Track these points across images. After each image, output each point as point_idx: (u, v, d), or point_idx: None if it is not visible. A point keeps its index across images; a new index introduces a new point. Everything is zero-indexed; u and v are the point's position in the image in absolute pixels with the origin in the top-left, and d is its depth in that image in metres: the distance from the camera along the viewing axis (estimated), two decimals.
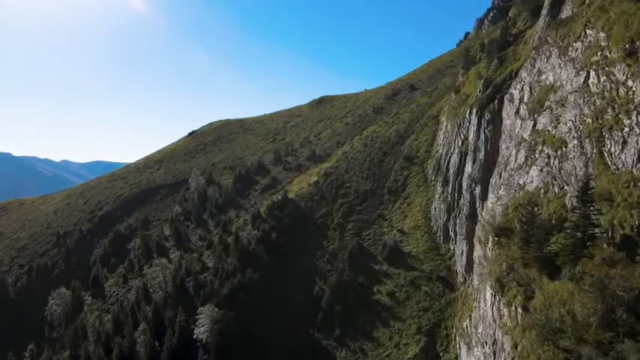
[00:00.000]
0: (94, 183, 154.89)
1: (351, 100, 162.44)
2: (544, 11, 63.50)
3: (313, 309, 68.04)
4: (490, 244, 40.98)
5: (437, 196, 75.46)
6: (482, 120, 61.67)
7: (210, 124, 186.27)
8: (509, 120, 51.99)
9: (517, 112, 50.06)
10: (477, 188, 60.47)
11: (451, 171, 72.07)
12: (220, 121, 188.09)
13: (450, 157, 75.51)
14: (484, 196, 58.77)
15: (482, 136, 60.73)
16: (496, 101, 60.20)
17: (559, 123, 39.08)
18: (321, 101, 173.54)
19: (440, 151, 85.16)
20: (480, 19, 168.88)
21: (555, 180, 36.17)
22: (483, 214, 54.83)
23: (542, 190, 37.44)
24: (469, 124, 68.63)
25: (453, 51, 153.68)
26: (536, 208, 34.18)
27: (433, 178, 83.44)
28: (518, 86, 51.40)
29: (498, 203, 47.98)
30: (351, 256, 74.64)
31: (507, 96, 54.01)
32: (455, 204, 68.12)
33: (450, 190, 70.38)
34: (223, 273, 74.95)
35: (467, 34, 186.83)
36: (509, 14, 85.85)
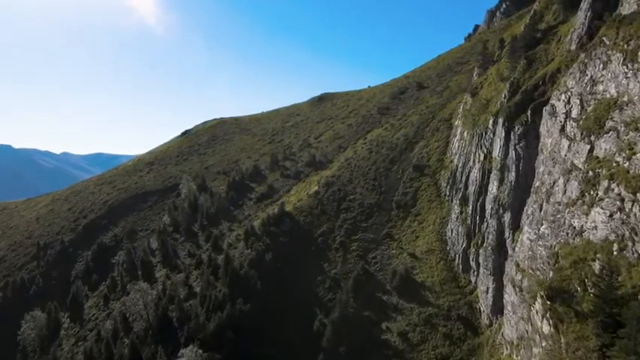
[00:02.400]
0: (81, 187, 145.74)
1: (353, 98, 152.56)
2: (584, 4, 53.80)
3: (313, 349, 59.09)
4: (539, 307, 31.83)
5: (453, 215, 66.20)
6: (512, 134, 52.26)
7: (205, 122, 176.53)
8: (551, 138, 42.61)
9: (562, 129, 40.68)
10: (505, 215, 51.22)
11: (470, 188, 62.75)
12: (215, 119, 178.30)
13: (468, 172, 66.15)
14: (515, 226, 49.60)
15: (512, 154, 51.35)
16: (529, 112, 50.75)
17: (634, 153, 29.81)
18: (322, 99, 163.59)
19: (455, 162, 75.77)
20: (492, 11, 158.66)
21: (637, 235, 27.00)
22: (516, 249, 45.67)
23: (615, 246, 28.27)
24: (493, 135, 59.19)
25: (464, 46, 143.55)
26: (615, 276, 24.99)
27: (447, 193, 74.12)
28: (563, 97, 41.96)
29: (540, 243, 38.75)
30: (356, 284, 65.62)
31: (547, 108, 44.55)
32: (476, 228, 58.92)
33: (469, 211, 61.12)
34: (211, 303, 66.01)
35: (476, 26, 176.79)
36: (535, 7, 75.95)
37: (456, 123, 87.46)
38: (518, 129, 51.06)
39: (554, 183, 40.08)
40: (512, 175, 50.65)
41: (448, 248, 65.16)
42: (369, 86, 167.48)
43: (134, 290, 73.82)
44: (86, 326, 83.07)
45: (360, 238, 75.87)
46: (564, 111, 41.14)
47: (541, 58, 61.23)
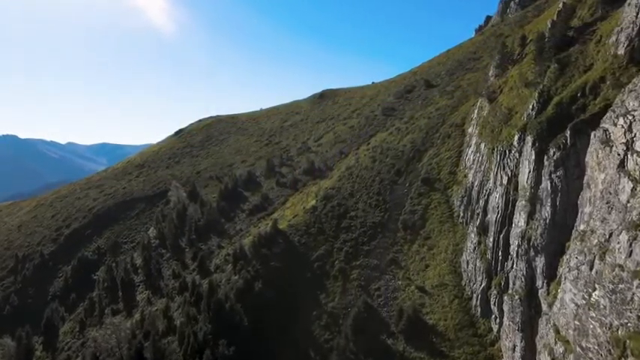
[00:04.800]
0: (67, 191, 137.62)
1: (356, 95, 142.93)
2: None
3: None
4: None
5: (469, 244, 57.14)
6: (546, 158, 42.82)
7: (200, 120, 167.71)
8: (604, 174, 33.29)
9: (621, 165, 31.36)
10: (537, 259, 42.04)
11: (491, 216, 53.54)
12: (211, 117, 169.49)
13: (487, 194, 56.90)
14: (551, 275, 40.52)
15: (546, 184, 41.99)
16: (568, 132, 41.30)
17: None
18: (323, 96, 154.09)
19: (470, 178, 66.53)
20: (505, 1, 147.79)
21: None
22: (554, 309, 36.69)
23: None
24: (519, 155, 49.85)
25: (475, 39, 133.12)
26: None
27: (462, 214, 65.06)
28: (621, 121, 32.55)
29: (593, 315, 29.78)
30: (357, 324, 56.87)
31: (598, 133, 35.13)
32: (498, 266, 49.88)
33: (490, 243, 52.00)
34: (189, 346, 57.56)
35: (488, 17, 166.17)
36: None
37: (470, 130, 78.05)
38: (554, 153, 41.59)
39: (610, 235, 30.89)
40: (546, 211, 41.33)
41: (463, 283, 56.18)
42: (372, 82, 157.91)
43: (105, 325, 65.70)
44: (59, 357, 75.20)
45: (361, 265, 67.02)
46: (623, 140, 31.77)
47: (577, 62, 51.52)
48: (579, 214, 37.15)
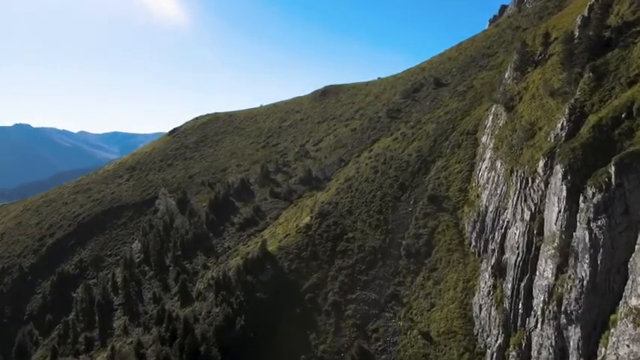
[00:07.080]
0: (55, 195, 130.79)
1: (360, 92, 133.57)
2: None
3: None
4: None
5: (482, 285, 48.58)
6: (582, 199, 33.87)
7: (197, 119, 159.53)
8: None
9: None
10: (571, 329, 33.31)
11: (509, 255, 44.80)
12: (208, 115, 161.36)
13: (504, 226, 48.12)
14: (590, 352, 31.85)
15: (583, 234, 33.05)
16: (612, 168, 32.26)
17: None
18: (325, 93, 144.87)
19: (483, 200, 57.65)
20: None
21: None
22: None
23: None
24: (545, 187, 40.93)
25: (489, 32, 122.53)
26: None
27: (473, 243, 56.43)
28: None
29: None
30: None
31: None
32: (519, 320, 41.26)
33: (508, 290, 43.34)
34: None
35: (503, 7, 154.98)
36: None
37: (484, 140, 69.00)
38: (594, 195, 32.62)
39: None
40: (583, 270, 32.51)
41: (475, 332, 47.74)
42: (379, 77, 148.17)
43: None
44: None
45: (358, 298, 58.82)
46: None
47: (617, 71, 42.19)
48: (630, 281, 28.42)
